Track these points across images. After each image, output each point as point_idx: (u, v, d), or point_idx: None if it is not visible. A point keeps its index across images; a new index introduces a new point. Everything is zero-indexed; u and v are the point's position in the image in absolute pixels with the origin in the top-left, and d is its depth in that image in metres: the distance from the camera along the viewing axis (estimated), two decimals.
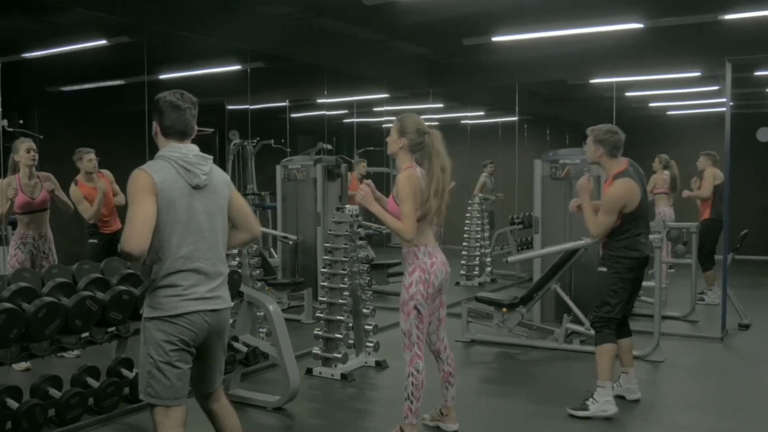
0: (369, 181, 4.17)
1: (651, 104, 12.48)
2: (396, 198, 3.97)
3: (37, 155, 5.97)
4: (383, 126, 13.94)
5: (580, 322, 6.37)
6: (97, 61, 8.55)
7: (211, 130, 13.91)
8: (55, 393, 4.10)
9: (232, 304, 3.16)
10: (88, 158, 6.45)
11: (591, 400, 4.64)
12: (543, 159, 7.29)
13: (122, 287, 4.09)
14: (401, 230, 3.89)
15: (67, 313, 3.77)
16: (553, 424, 4.61)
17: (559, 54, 8.68)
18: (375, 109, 12.54)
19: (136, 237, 2.75)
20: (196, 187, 2.94)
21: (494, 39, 7.83)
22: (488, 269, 10.57)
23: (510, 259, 7.00)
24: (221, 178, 3.10)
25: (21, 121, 9.46)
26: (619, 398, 4.84)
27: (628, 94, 10.58)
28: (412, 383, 4.00)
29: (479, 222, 10.40)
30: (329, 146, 9.94)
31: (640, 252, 4.71)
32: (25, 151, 5.88)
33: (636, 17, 7.03)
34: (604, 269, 4.74)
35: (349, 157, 9.91)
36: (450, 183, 4.05)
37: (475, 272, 10.29)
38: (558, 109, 12.64)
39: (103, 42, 7.19)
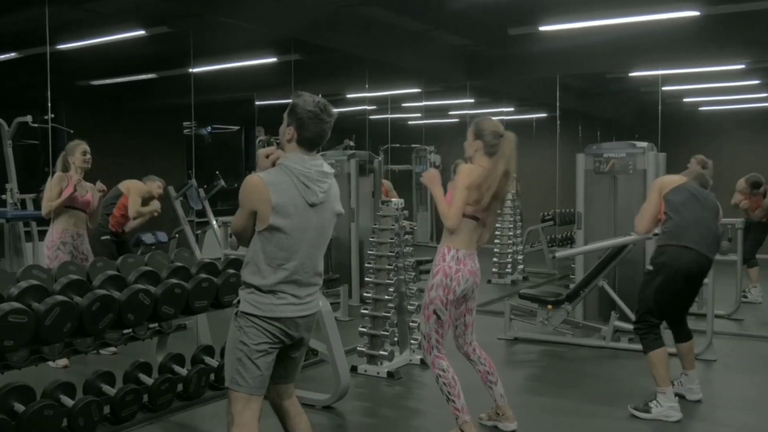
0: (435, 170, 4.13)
1: (685, 99, 12.24)
2: (453, 186, 3.88)
3: (91, 158, 5.90)
4: (408, 123, 13.90)
5: (628, 320, 6.20)
6: (132, 53, 8.45)
7: (236, 128, 13.89)
8: (108, 390, 3.98)
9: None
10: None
11: (654, 402, 4.48)
12: (586, 153, 7.12)
13: (174, 281, 3.97)
14: (445, 215, 3.85)
15: (120, 306, 3.66)
16: (615, 424, 4.46)
17: (602, 45, 8.49)
18: (404, 104, 12.44)
19: (235, 234, 2.98)
20: (312, 205, 2.89)
21: (541, 28, 7.65)
22: (520, 267, 10.42)
23: (558, 254, 6.83)
24: (335, 193, 3.05)
25: (51, 116, 9.41)
26: (679, 397, 4.68)
27: (665, 88, 10.37)
28: (444, 383, 3.93)
29: (511, 219, 10.25)
30: (352, 143, 9.85)
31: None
32: (81, 153, 5.81)
33: (693, 4, 6.81)
34: (651, 268, 4.57)
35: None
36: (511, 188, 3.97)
37: (507, 270, 10.14)
38: (590, 104, 12.44)
39: (141, 32, 7.06)
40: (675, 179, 4.76)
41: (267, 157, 2.96)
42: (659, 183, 4.78)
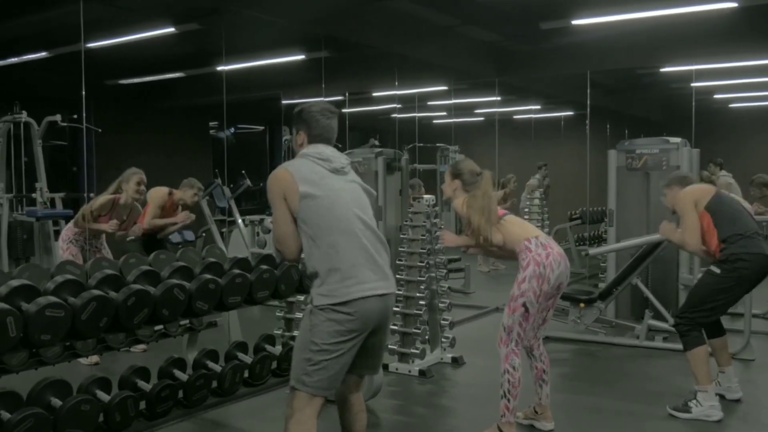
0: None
1: (716, 95, 12.07)
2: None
3: (145, 189, 6.04)
4: (433, 122, 13.85)
5: (662, 319, 6.11)
6: (161, 51, 8.47)
7: (261, 128, 13.90)
8: (144, 385, 3.96)
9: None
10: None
11: (694, 401, 4.38)
12: (618, 149, 7.05)
13: (208, 276, 3.94)
14: (487, 239, 3.97)
15: (155, 302, 3.63)
16: (654, 424, 4.38)
17: (634, 39, 8.38)
18: (429, 103, 12.39)
19: (285, 245, 3.00)
20: (336, 171, 3.00)
21: (574, 22, 7.55)
22: None
23: (591, 252, 6.76)
24: (359, 179, 3.18)
25: (74, 116, 9.48)
26: (719, 396, 4.57)
27: (694, 84, 10.24)
28: (509, 380, 3.86)
29: (539, 218, 10.17)
30: (377, 142, 9.81)
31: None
32: (135, 183, 5.92)
33: None
34: (718, 270, 4.44)
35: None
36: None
37: None
38: (619, 101, 12.32)
39: (171, 30, 7.06)
40: (706, 188, 4.67)
41: None
42: (690, 196, 4.53)
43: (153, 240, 6.70)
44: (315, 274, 2.87)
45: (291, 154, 9.94)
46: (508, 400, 3.86)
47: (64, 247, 5.83)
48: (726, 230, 4.39)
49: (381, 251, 2.97)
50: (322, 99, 3.24)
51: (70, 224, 5.96)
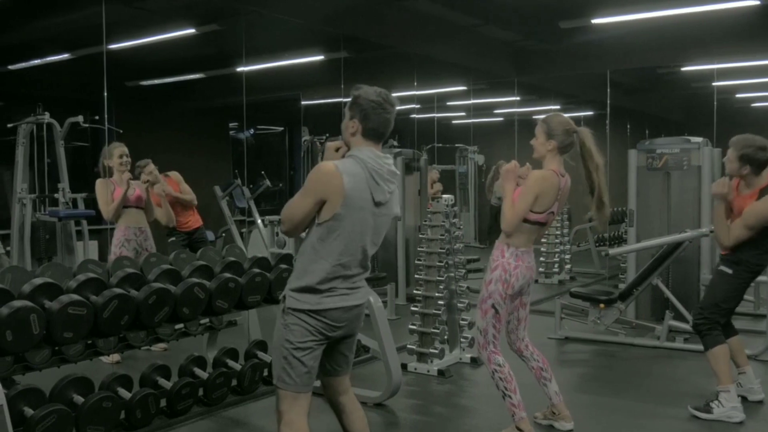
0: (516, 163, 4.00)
1: (738, 95, 11.94)
2: (522, 189, 3.84)
3: (129, 159, 5.96)
4: (452, 122, 13.82)
5: (682, 319, 6.06)
6: (181, 52, 8.52)
7: (280, 129, 13.93)
8: (165, 383, 3.99)
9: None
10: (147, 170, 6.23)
11: (716, 402, 4.35)
12: (638, 149, 6.99)
13: (228, 275, 3.97)
14: (505, 217, 3.82)
15: (175, 300, 3.66)
16: (676, 424, 4.34)
17: (655, 38, 8.33)
18: (448, 103, 12.38)
19: (287, 223, 2.85)
20: (378, 204, 2.85)
21: (594, 21, 7.51)
22: (567, 266, 10.27)
23: (612, 252, 6.72)
24: (396, 195, 3.01)
25: (96, 117, 9.55)
26: (741, 398, 4.53)
27: (716, 83, 10.15)
28: (500, 378, 3.88)
29: (558, 219, 10.11)
30: (395, 143, 9.82)
31: None
32: (117, 156, 5.88)
33: None
34: (730, 271, 4.41)
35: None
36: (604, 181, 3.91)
37: (554, 269, 10.01)
38: (639, 101, 12.23)
39: (192, 31, 7.11)
40: None
41: (336, 150, 2.95)
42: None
43: (193, 238, 6.75)
44: (298, 276, 2.86)
45: (311, 155, 10.00)
46: (510, 397, 3.87)
47: (117, 252, 5.74)
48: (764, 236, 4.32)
49: (365, 263, 2.94)
50: (378, 89, 2.87)
51: (117, 226, 5.87)
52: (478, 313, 3.93)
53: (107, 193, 5.78)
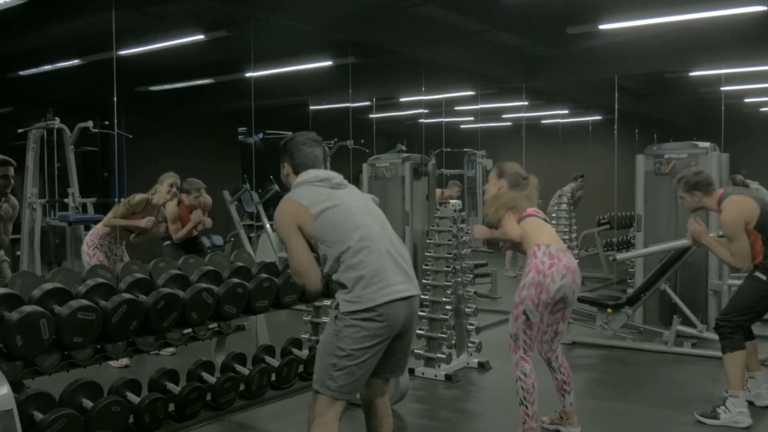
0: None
1: (746, 99, 11.93)
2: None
3: (177, 191, 6.12)
4: (460, 126, 13.83)
5: (690, 324, 6.06)
6: (190, 58, 8.57)
7: (289, 133, 13.97)
8: (173, 387, 4.02)
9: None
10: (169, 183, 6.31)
11: (723, 408, 4.34)
12: (646, 154, 6.99)
13: (236, 280, 3.99)
14: (508, 235, 3.98)
15: (184, 305, 3.69)
16: (682, 429, 4.34)
17: (663, 43, 8.32)
18: (456, 108, 12.40)
19: (304, 276, 2.99)
20: (338, 186, 3.06)
21: (601, 27, 7.53)
22: None
23: (619, 257, 6.71)
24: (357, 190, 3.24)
25: (106, 122, 9.61)
26: (748, 403, 4.52)
27: (724, 88, 10.14)
28: (522, 387, 3.84)
29: (566, 223, 10.11)
30: (404, 147, 9.84)
31: None
32: (168, 185, 5.99)
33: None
34: (764, 278, 4.38)
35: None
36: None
37: None
38: (647, 106, 12.23)
39: (200, 37, 7.16)
40: (749, 204, 4.44)
41: None
42: (739, 215, 4.37)
43: (189, 245, 6.80)
44: (341, 285, 2.88)
45: None
46: (526, 407, 3.85)
47: (91, 253, 5.86)
48: None
49: (403, 253, 3.00)
50: (305, 132, 3.28)
51: (97, 227, 6.00)
52: (510, 317, 3.89)
53: (129, 209, 5.88)
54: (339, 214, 2.91)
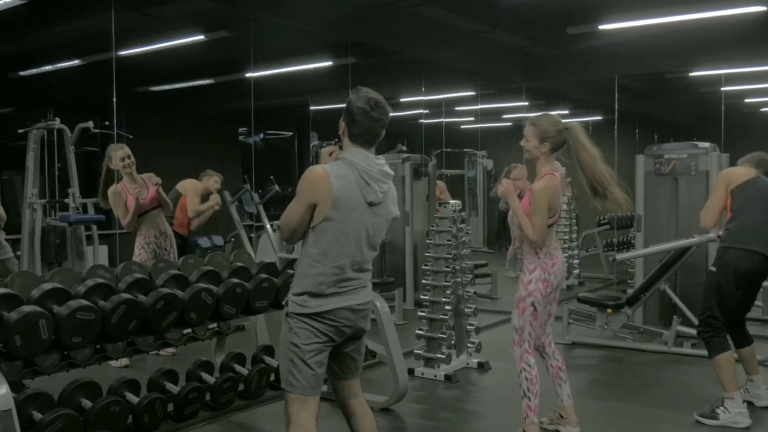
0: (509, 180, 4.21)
1: (747, 99, 11.91)
2: (530, 204, 3.88)
3: (132, 160, 5.98)
4: (461, 127, 13.83)
5: (690, 325, 6.05)
6: (191, 58, 8.57)
7: (290, 134, 13.98)
8: (172, 387, 4.02)
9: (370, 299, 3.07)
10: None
11: (721, 408, 4.34)
12: (646, 154, 7.00)
13: (235, 280, 4.00)
14: (529, 235, 3.88)
15: (183, 305, 3.70)
16: (681, 430, 4.35)
17: (663, 44, 8.32)
18: (456, 108, 12.40)
19: (285, 229, 2.90)
20: (371, 204, 2.85)
21: (601, 27, 7.53)
22: (576, 271, 10.24)
23: (619, 257, 6.70)
24: (392, 196, 3.00)
25: (106, 123, 9.61)
26: (747, 404, 4.52)
27: (724, 88, 10.14)
28: (526, 378, 3.90)
29: (566, 223, 10.09)
30: (404, 147, 9.83)
31: None
32: (119, 159, 5.88)
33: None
34: (714, 269, 4.45)
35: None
36: (607, 170, 3.89)
37: None
38: (648, 106, 12.22)
39: (200, 37, 7.17)
40: (743, 172, 4.61)
41: (330, 155, 2.98)
42: (726, 176, 4.65)
43: (188, 243, 6.81)
44: (297, 281, 2.89)
45: (319, 160, 10.03)
46: (529, 399, 3.89)
47: (136, 253, 5.90)
48: (730, 222, 4.45)
49: (367, 264, 2.96)
50: (370, 96, 2.89)
51: (138, 231, 5.96)
52: (515, 311, 3.96)
53: (121, 204, 5.83)
54: (341, 236, 2.82)
